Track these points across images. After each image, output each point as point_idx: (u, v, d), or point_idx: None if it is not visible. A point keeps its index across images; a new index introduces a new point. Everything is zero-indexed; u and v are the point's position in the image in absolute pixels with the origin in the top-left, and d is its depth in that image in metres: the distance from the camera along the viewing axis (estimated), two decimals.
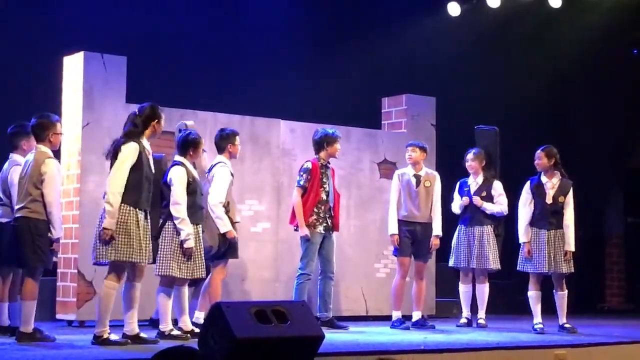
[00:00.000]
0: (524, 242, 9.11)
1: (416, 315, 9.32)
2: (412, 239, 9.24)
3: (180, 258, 7.44)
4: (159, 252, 7.45)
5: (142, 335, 7.19)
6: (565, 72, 13.02)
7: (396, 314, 9.25)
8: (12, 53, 10.29)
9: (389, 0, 12.91)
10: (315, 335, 6.17)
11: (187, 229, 7.41)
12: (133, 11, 11.18)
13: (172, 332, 7.51)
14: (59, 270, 8.99)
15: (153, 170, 7.17)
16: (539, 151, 9.23)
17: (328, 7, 12.86)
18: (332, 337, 7.77)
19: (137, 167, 6.94)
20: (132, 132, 7.01)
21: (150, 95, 9.47)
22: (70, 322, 8.90)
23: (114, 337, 6.99)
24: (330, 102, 11.90)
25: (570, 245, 9.07)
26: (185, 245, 7.41)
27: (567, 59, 12.90)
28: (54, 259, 7.44)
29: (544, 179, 9.17)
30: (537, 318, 9.05)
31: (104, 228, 6.80)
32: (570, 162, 10.44)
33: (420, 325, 9.22)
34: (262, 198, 9.86)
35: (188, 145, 7.75)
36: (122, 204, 6.87)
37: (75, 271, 8.78)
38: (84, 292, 8.75)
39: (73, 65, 9.14)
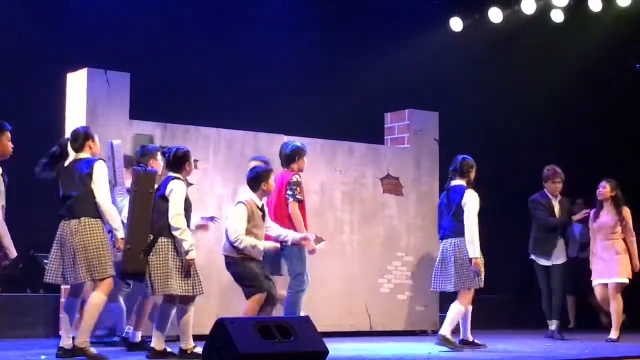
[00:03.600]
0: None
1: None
2: None
3: (178, 274, 7.18)
4: (153, 271, 7.15)
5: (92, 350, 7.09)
6: (568, 86, 13.03)
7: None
8: (16, 70, 10.33)
9: (392, 16, 12.95)
10: (319, 351, 6.17)
11: (189, 239, 7.25)
12: (136, 28, 11.23)
13: (195, 350, 7.30)
14: (62, 287, 8.97)
15: None
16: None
17: (331, 23, 12.91)
18: (337, 352, 7.75)
19: None
20: (55, 155, 7.13)
21: (154, 112, 9.55)
22: (73, 338, 8.86)
23: (94, 350, 7.01)
24: (333, 117, 11.92)
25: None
26: (188, 257, 7.21)
27: (569, 74, 12.91)
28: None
29: None
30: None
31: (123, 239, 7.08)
32: (573, 175, 10.47)
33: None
34: None
35: (182, 160, 7.47)
36: (97, 219, 6.99)
37: None
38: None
39: (76, 82, 9.16)
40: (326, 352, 6.20)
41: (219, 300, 9.30)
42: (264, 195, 7.87)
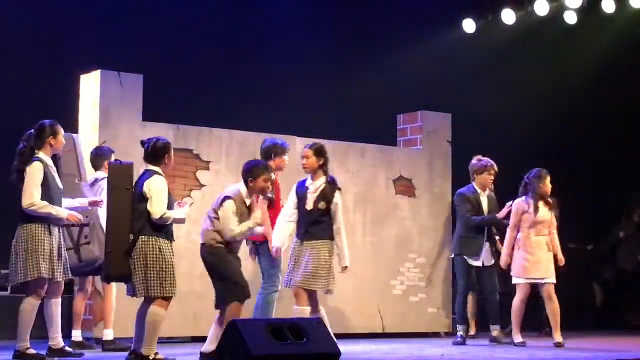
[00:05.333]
0: None
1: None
2: None
3: (158, 275, 6.70)
4: (133, 273, 6.72)
5: (67, 349, 7.27)
6: (582, 88, 12.99)
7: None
8: (29, 72, 10.35)
9: (404, 18, 12.94)
10: (332, 353, 6.17)
11: (182, 213, 6.90)
12: (149, 30, 11.25)
13: (158, 357, 6.88)
14: (76, 288, 9.00)
15: (61, 186, 7.17)
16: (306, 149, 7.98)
17: (343, 25, 12.90)
18: (349, 354, 7.74)
19: (44, 184, 6.95)
20: (23, 152, 7.02)
21: (167, 113, 9.57)
22: (88, 340, 8.90)
23: (32, 351, 7.01)
24: (346, 119, 11.92)
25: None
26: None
27: (583, 75, 12.87)
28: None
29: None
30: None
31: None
32: (586, 178, 10.42)
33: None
34: None
35: (162, 152, 6.92)
36: (30, 224, 6.91)
37: (93, 288, 8.79)
38: (101, 310, 8.74)
39: (90, 84, 9.20)
40: (339, 354, 6.20)
41: None
42: (253, 192, 7.40)
